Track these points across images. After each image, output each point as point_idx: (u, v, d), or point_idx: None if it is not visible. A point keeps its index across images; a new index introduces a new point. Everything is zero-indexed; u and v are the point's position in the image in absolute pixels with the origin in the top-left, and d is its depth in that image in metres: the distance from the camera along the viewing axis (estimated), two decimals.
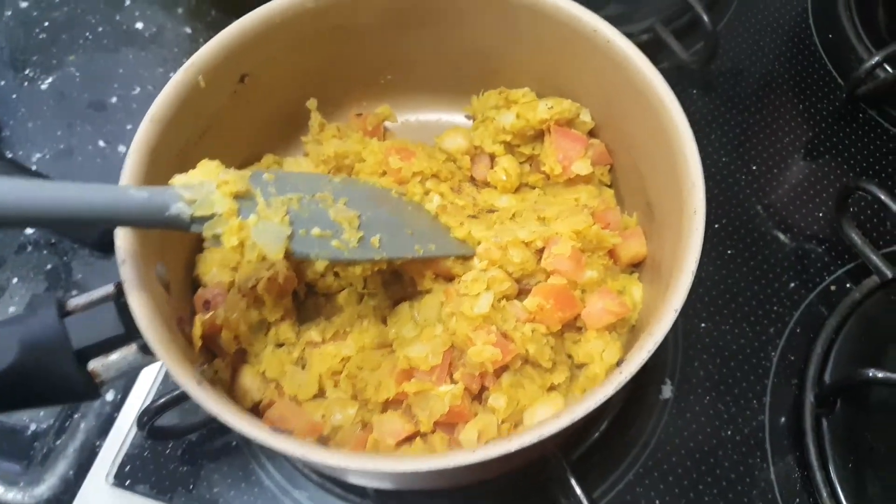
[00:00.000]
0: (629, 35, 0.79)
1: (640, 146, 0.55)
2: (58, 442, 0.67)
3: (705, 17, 0.73)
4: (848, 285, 0.68)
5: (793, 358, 0.66)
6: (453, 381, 0.50)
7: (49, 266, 0.78)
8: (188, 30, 0.94)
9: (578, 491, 0.52)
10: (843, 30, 0.82)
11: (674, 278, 0.44)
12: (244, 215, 0.42)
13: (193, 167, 0.54)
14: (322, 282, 0.56)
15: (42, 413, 0.69)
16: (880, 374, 0.56)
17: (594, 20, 0.53)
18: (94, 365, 0.42)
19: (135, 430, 0.65)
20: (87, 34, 0.93)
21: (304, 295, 0.57)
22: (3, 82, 0.88)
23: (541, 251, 0.53)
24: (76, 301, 0.44)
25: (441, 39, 0.59)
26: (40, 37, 0.93)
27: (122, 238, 0.45)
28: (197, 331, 0.48)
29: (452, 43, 0.60)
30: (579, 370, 0.52)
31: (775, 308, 0.68)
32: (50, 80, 0.89)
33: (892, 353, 0.65)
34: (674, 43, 0.78)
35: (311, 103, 0.60)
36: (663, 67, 0.80)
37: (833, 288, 0.69)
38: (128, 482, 0.62)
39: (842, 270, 0.69)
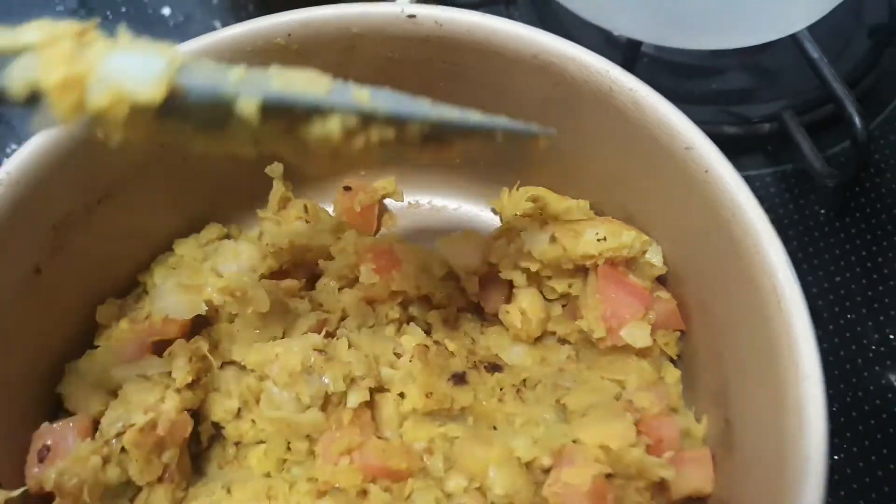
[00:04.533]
0: (746, 120, 0.60)
1: (724, 319, 0.35)
2: None
3: (857, 122, 0.52)
4: None
5: None
6: None
7: None
8: (217, 24, 0.80)
9: None
10: None
11: None
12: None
13: (90, 241, 0.39)
14: (233, 427, 0.39)
15: None
16: None
17: (691, 134, 0.33)
18: None
19: None
20: (108, 13, 0.81)
21: (207, 440, 0.40)
22: None
23: (547, 472, 0.34)
24: None
25: (470, 103, 0.41)
26: (57, 8, 0.81)
27: None
28: None
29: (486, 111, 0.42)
30: None
31: None
32: None
33: None
34: (805, 142, 0.57)
35: (275, 169, 0.43)
36: (785, 170, 0.61)
37: None
38: None
39: None
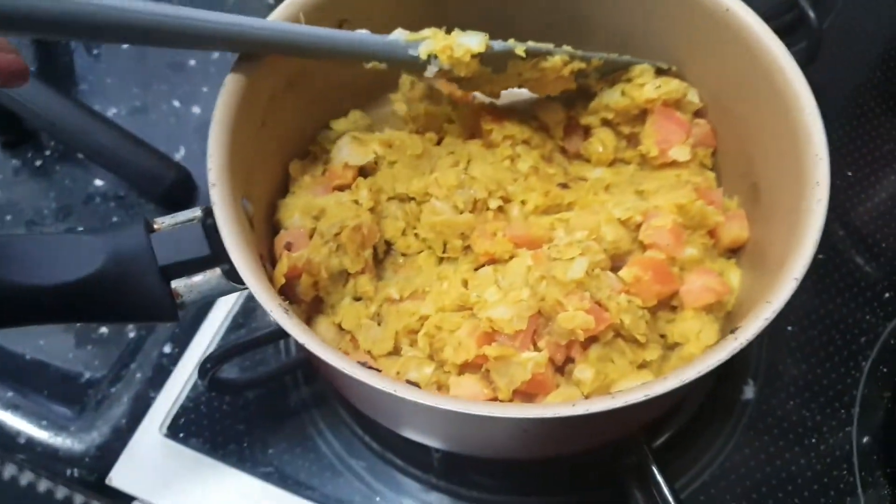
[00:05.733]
0: None
1: (751, 124, 0.52)
2: (112, 390, 0.66)
3: (811, 14, 0.70)
4: None
5: (885, 370, 0.62)
6: (537, 349, 0.47)
7: (115, 218, 0.77)
8: (271, 0, 0.94)
9: (661, 479, 0.49)
10: None
11: (793, 249, 0.42)
12: None
13: (282, 116, 0.54)
14: (402, 241, 0.54)
15: (97, 362, 0.68)
16: None
17: None
18: (177, 285, 0.41)
19: (191, 383, 0.63)
20: None
21: (382, 253, 0.55)
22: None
23: (638, 227, 0.50)
24: (162, 220, 0.43)
25: (543, 3, 0.57)
26: None
27: (214, 161, 0.44)
28: (282, 267, 0.46)
29: (559, 5, 0.58)
30: (671, 351, 0.49)
31: (868, 318, 0.64)
32: None
33: None
34: None
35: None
36: None
37: None
38: (181, 435, 0.61)
39: None
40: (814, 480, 0.58)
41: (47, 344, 0.69)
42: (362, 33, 0.50)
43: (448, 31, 0.51)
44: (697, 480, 0.57)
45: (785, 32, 0.76)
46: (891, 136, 0.73)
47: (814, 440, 0.59)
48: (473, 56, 0.49)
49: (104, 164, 0.76)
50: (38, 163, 0.80)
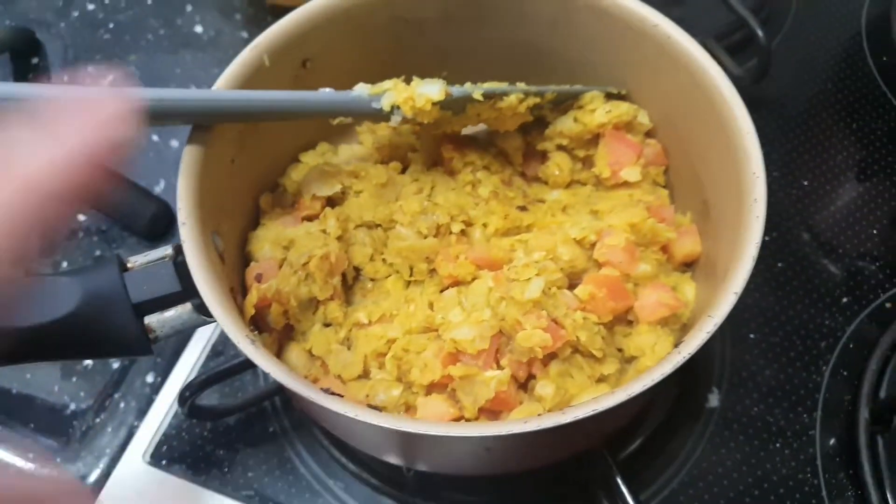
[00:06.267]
0: None
1: (697, 144, 0.54)
2: (97, 420, 0.67)
3: (760, 33, 0.73)
4: None
5: (846, 373, 0.64)
6: (500, 368, 0.49)
7: (98, 252, 0.79)
8: (245, 34, 0.96)
9: (625, 490, 0.51)
10: None
11: (733, 264, 0.44)
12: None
13: (252, 152, 0.56)
14: (370, 266, 0.56)
15: (82, 393, 0.70)
16: None
17: (655, 16, 0.53)
18: (150, 320, 0.43)
19: (173, 411, 0.65)
20: (149, 36, 0.96)
21: (351, 279, 0.57)
22: (66, 78, 0.91)
23: (593, 246, 0.52)
24: (135, 259, 0.45)
25: (499, 36, 0.60)
26: (104, 37, 0.96)
27: (183, 201, 0.46)
28: (252, 299, 0.48)
29: (511, 40, 0.60)
30: (629, 364, 0.51)
31: (827, 322, 0.66)
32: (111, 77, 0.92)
33: None
34: (726, 59, 0.78)
35: None
36: None
37: (888, 305, 0.67)
38: (164, 462, 0.62)
39: None
40: (780, 484, 0.60)
41: (34, 378, 0.71)
42: (326, 92, 0.52)
43: (408, 73, 0.54)
44: (666, 489, 0.59)
45: (736, 50, 0.80)
46: (843, 145, 0.76)
47: (779, 444, 0.61)
48: (434, 104, 0.51)
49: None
50: None
